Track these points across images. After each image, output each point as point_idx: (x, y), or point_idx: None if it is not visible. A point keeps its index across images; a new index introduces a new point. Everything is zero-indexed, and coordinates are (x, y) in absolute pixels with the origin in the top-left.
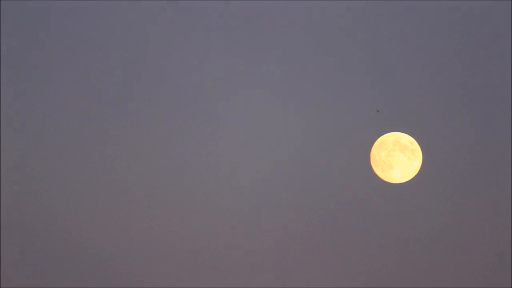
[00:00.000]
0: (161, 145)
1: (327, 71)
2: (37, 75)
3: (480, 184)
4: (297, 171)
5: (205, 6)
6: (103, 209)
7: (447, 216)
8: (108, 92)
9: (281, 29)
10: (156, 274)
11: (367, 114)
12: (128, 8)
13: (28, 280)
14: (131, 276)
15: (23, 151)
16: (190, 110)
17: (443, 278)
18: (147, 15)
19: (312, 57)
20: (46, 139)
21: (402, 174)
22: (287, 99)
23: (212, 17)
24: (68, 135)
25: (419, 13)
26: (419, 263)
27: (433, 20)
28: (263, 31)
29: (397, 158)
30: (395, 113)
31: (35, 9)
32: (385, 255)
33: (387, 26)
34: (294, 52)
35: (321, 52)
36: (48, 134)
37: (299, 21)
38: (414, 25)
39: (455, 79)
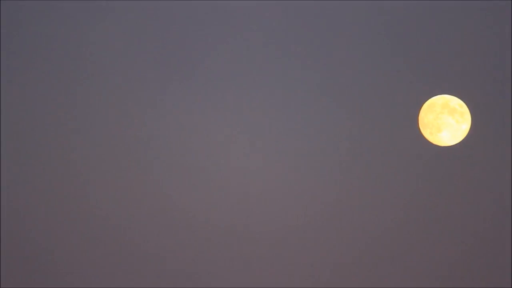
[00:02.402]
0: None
1: (378, 37)
2: (36, 75)
3: None
4: (345, 134)
5: (214, 5)
6: (102, 209)
7: (497, 178)
8: (107, 92)
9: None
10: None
11: (416, 77)
12: (128, 8)
13: (28, 280)
14: (131, 276)
15: (22, 150)
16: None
17: (494, 242)
18: (147, 16)
19: (361, 23)
20: (45, 139)
21: (450, 137)
22: (335, 62)
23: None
24: (69, 135)
25: None
26: (467, 226)
27: None
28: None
29: (445, 121)
30: (444, 75)
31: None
32: (433, 218)
33: None
34: (336, 23)
35: (367, 17)
36: (48, 134)
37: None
38: None
39: (505, 40)
